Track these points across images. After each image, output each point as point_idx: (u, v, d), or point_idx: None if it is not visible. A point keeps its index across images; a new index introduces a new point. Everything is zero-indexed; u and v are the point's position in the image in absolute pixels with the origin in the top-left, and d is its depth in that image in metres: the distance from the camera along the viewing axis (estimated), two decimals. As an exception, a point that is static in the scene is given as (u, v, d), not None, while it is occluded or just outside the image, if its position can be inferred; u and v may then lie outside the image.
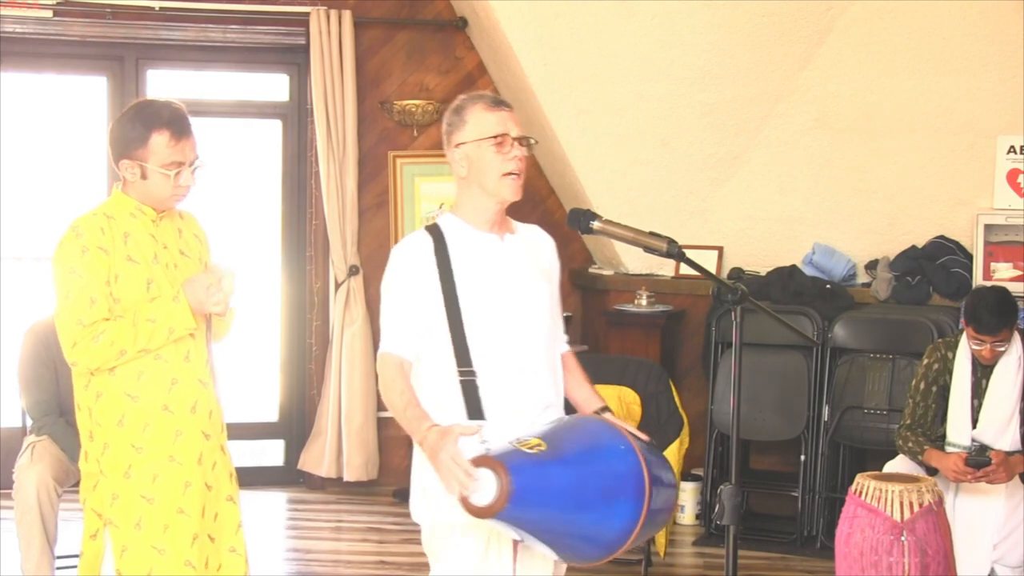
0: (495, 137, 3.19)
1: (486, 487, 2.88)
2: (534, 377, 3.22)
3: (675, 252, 3.12)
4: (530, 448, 2.93)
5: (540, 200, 7.05)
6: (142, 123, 3.44)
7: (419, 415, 3.07)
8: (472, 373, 3.12)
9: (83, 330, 3.35)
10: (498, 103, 3.26)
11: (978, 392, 4.87)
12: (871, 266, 6.34)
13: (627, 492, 2.99)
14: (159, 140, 3.43)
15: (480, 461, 2.90)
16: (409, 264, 3.20)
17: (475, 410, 3.10)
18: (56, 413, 4.86)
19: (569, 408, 3.37)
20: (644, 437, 3.19)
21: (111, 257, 3.40)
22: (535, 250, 3.36)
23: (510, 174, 3.20)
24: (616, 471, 3.01)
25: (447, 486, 2.95)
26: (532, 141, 3.26)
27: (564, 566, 3.32)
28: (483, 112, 3.22)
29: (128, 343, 3.37)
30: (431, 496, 3.17)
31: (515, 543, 3.16)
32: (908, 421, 4.98)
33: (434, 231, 3.23)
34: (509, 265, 3.25)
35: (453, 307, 3.13)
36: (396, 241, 6.80)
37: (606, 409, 3.32)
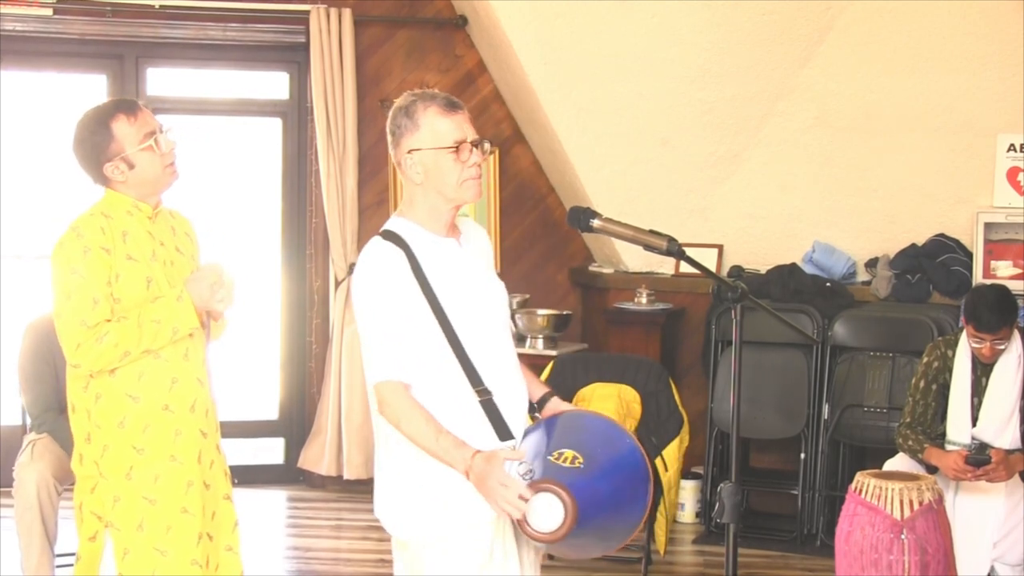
0: (453, 146, 3.06)
1: (548, 510, 2.88)
2: (517, 380, 3.18)
3: (675, 250, 3.11)
4: (570, 463, 2.95)
5: (540, 198, 7.05)
6: (97, 124, 3.46)
7: (456, 442, 2.97)
8: (488, 392, 3.04)
9: (87, 331, 3.32)
10: (452, 105, 3.10)
11: (978, 390, 4.87)
12: (871, 264, 6.35)
13: (644, 480, 3.07)
14: (120, 125, 3.45)
15: (539, 485, 2.90)
16: (391, 283, 3.02)
17: (503, 430, 3.04)
18: (56, 409, 4.86)
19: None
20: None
21: (112, 257, 3.39)
22: (480, 247, 3.29)
23: (470, 179, 3.11)
24: (634, 465, 3.07)
25: (501, 512, 2.94)
26: (487, 146, 3.14)
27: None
28: (437, 117, 3.07)
29: (133, 344, 3.35)
30: (419, 508, 3.07)
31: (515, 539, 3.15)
32: (908, 419, 4.98)
33: (398, 241, 3.05)
34: (472, 271, 3.17)
35: (447, 325, 3.02)
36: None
37: (552, 394, 3.27)
